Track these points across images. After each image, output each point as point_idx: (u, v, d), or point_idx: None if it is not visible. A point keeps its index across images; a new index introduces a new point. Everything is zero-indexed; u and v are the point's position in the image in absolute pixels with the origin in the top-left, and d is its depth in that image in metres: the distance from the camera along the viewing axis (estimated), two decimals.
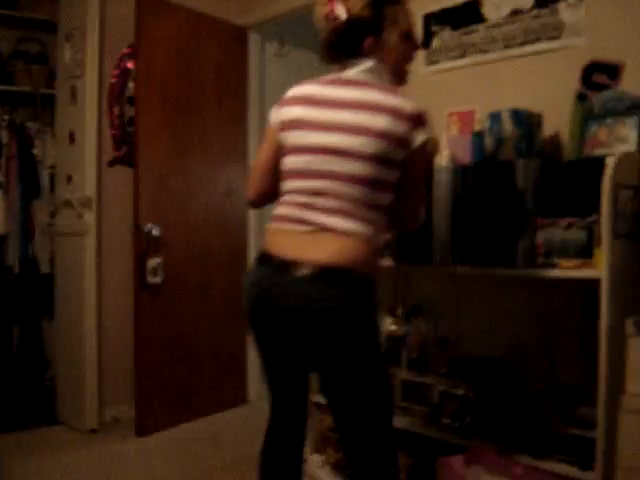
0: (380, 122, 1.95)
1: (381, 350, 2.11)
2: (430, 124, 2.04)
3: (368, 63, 2.08)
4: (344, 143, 1.98)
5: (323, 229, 1.98)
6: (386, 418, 2.09)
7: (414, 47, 2.21)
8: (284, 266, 1.99)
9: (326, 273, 1.94)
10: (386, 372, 2.16)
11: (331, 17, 2.08)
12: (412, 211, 2.20)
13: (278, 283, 2.00)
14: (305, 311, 1.96)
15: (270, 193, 2.20)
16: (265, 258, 2.07)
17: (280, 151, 2.12)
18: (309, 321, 1.97)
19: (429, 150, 2.15)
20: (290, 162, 2.08)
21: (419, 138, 2.00)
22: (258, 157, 2.23)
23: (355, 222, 1.98)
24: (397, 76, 2.18)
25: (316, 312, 1.95)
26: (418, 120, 1.99)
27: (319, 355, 2.03)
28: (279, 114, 2.13)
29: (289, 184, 2.08)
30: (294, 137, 2.07)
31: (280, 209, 2.10)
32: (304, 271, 1.95)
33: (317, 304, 1.94)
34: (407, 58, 2.20)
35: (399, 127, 1.96)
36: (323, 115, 2.03)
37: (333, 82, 2.09)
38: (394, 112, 1.96)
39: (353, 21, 2.06)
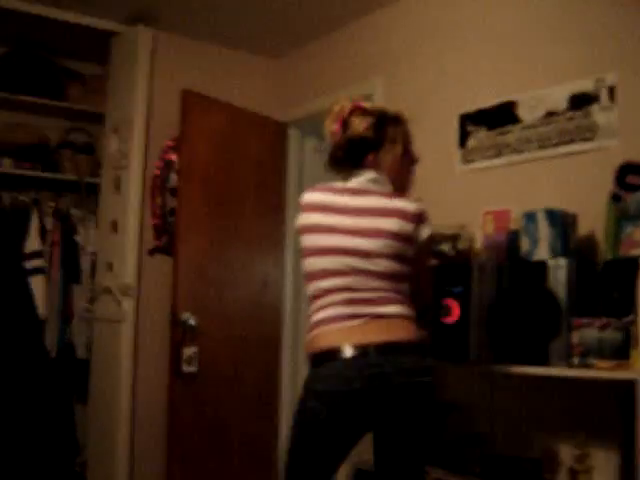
0: (392, 225, 2.24)
1: None
2: (430, 220, 2.35)
3: (371, 174, 2.33)
4: (365, 245, 2.22)
5: (376, 317, 2.21)
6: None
7: (412, 162, 2.48)
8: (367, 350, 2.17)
9: (414, 346, 2.23)
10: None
11: (337, 134, 2.36)
12: (427, 293, 2.58)
13: (381, 364, 2.16)
14: (410, 384, 2.18)
15: None
16: (333, 354, 2.18)
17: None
18: (412, 394, 2.19)
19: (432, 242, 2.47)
20: (314, 263, 2.28)
21: (424, 233, 2.32)
22: None
23: (399, 306, 2.25)
24: (399, 187, 2.41)
25: (418, 385, 2.19)
26: (421, 218, 2.30)
27: (401, 423, 2.21)
28: (298, 219, 2.37)
29: (319, 284, 2.26)
30: (314, 240, 2.29)
31: (323, 312, 2.25)
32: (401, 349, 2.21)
33: (418, 378, 2.19)
34: (406, 172, 2.47)
35: (407, 227, 2.26)
36: (342, 221, 2.26)
37: (345, 191, 2.34)
38: (401, 214, 2.26)
39: (357, 139, 2.32)
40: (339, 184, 2.37)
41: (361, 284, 2.21)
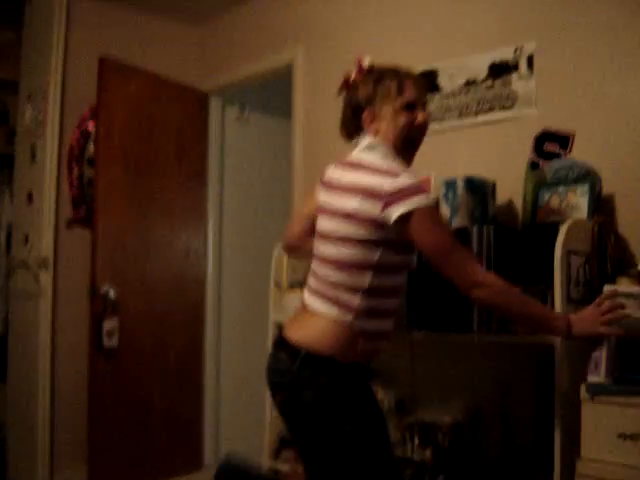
0: (350, 204, 2.03)
1: (366, 438, 2.05)
2: (419, 195, 1.98)
3: (366, 140, 2.17)
4: (327, 227, 2.12)
5: (307, 310, 2.13)
6: None
7: (414, 118, 2.18)
8: (278, 341, 2.16)
9: (305, 356, 2.03)
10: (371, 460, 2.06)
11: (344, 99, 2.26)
12: (456, 276, 2.04)
13: (272, 357, 2.16)
14: (286, 388, 2.09)
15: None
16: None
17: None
18: (287, 397, 2.10)
19: (428, 215, 2.01)
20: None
21: (394, 213, 1.96)
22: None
23: (329, 305, 2.07)
24: (403, 149, 2.19)
25: (295, 392, 2.06)
26: (396, 196, 1.96)
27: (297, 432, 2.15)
28: None
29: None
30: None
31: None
32: (288, 349, 2.07)
33: (297, 384, 2.05)
34: (408, 129, 2.17)
35: (368, 206, 1.99)
36: (323, 199, 2.20)
37: (342, 165, 2.20)
38: (366, 192, 2.00)
39: (354, 97, 2.21)
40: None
41: (318, 271, 2.13)
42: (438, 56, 3.27)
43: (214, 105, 4.76)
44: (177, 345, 4.41)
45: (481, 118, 3.08)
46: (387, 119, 2.15)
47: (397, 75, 2.18)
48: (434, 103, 3.24)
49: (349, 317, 2.04)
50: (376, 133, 2.17)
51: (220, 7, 4.59)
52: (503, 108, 3.01)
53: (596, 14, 2.78)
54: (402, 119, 2.15)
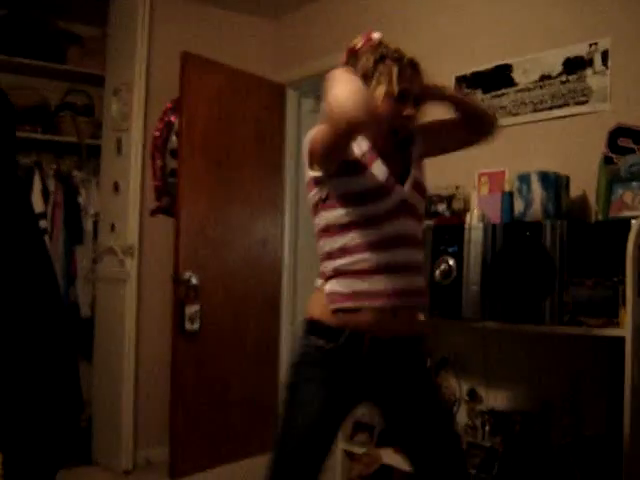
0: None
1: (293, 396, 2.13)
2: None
3: None
4: None
5: None
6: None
7: (402, 110, 2.11)
8: None
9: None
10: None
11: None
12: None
13: None
14: None
15: None
16: None
17: None
18: None
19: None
20: None
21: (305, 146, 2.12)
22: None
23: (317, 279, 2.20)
24: (385, 133, 2.14)
25: None
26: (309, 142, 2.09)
27: None
28: None
29: None
30: None
31: None
32: None
33: None
34: (392, 119, 2.11)
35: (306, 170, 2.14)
36: None
37: None
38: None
39: (352, 65, 2.12)
40: None
41: None
42: (513, 51, 3.30)
43: (290, 97, 4.88)
44: (254, 330, 4.56)
45: (556, 112, 3.12)
46: (376, 101, 2.06)
47: (399, 60, 2.09)
48: (509, 97, 3.29)
49: (322, 282, 2.15)
50: None
51: (296, 2, 4.70)
52: (577, 103, 3.04)
53: None
54: (389, 107, 2.08)
